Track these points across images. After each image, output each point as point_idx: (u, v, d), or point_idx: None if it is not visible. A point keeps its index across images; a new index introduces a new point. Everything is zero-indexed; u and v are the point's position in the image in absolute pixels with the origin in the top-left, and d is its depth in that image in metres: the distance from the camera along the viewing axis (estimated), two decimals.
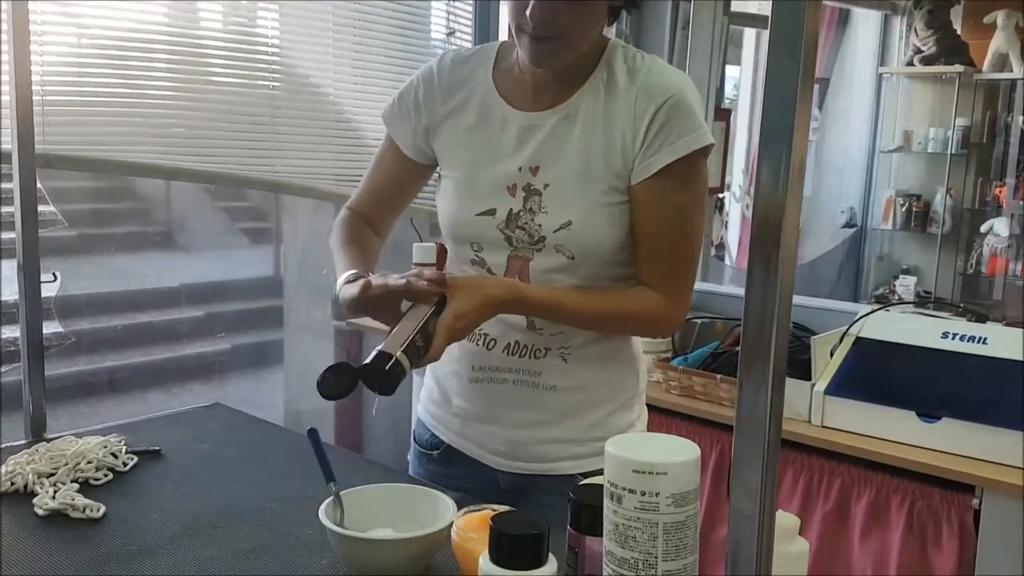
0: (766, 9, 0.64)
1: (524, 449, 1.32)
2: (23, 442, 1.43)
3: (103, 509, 1.18)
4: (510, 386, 1.30)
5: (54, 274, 1.94)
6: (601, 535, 0.83)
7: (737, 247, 4.00)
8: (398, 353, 1.08)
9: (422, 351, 1.12)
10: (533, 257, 1.26)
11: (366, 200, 1.43)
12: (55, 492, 1.21)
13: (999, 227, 3.91)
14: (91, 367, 3.01)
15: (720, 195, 3.18)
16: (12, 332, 1.96)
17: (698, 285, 1.33)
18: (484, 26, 2.92)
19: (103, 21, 2.14)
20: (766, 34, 0.65)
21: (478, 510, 1.03)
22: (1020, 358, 1.99)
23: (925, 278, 4.19)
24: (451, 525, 1.01)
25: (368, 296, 1.16)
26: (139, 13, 2.17)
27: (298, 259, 3.16)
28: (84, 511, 1.17)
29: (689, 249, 1.28)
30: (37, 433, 1.48)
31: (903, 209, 4.24)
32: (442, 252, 1.36)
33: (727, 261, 3.88)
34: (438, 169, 1.37)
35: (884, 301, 3.83)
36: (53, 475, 1.26)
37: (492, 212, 1.26)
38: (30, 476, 1.24)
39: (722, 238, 3.70)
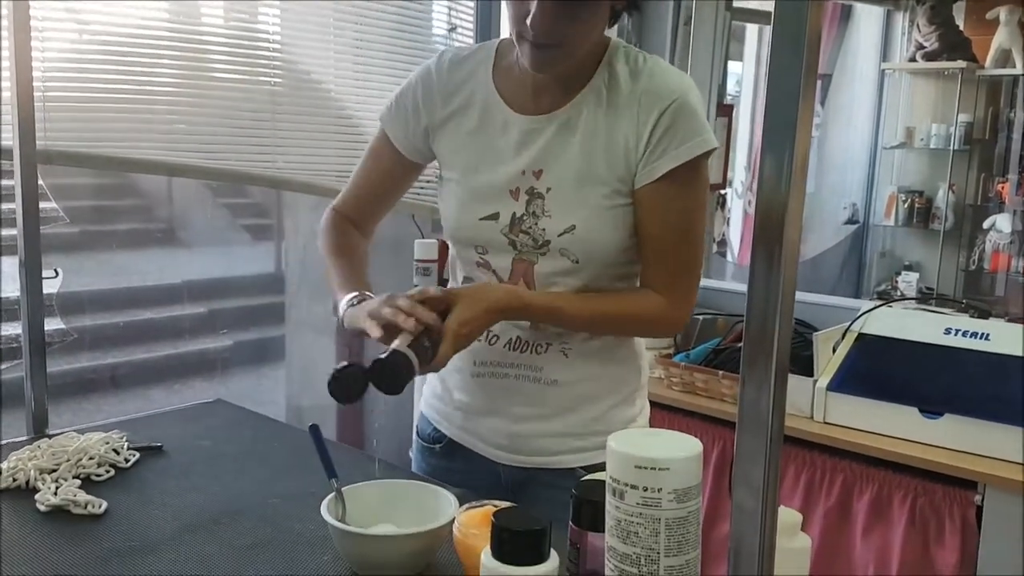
0: (768, 5, 0.64)
1: (525, 443, 1.32)
2: (25, 438, 1.44)
3: (105, 505, 1.18)
4: (512, 380, 1.31)
5: (56, 270, 1.94)
6: (603, 531, 0.83)
7: (739, 243, 4.00)
8: (408, 352, 1.09)
9: (429, 353, 1.13)
10: (538, 261, 1.26)
11: (357, 198, 1.43)
12: (57, 488, 1.21)
13: (1001, 223, 3.91)
14: (93, 363, 3.01)
15: (722, 191, 3.17)
16: (14, 329, 1.96)
17: (700, 282, 1.33)
18: (485, 22, 2.91)
19: (104, 17, 2.14)
20: (768, 30, 0.65)
21: (480, 506, 1.03)
22: (1022, 354, 1.98)
23: (927, 274, 4.19)
24: (453, 521, 1.01)
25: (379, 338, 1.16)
26: (140, 9, 2.17)
27: (300, 255, 3.16)
28: (86, 507, 1.17)
29: (693, 251, 1.28)
30: (39, 429, 1.49)
31: (905, 205, 4.24)
32: (443, 248, 1.37)
33: (729, 257, 3.88)
34: (439, 170, 1.37)
35: (886, 297, 3.82)
36: (55, 471, 1.26)
37: (496, 216, 1.26)
38: (32, 472, 1.24)
39: (724, 234, 3.70)
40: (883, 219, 4.34)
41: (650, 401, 1.42)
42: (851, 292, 4.39)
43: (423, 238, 2.64)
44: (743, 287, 0.66)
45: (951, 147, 4.09)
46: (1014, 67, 3.87)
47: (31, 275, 1.47)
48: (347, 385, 1.08)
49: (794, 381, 2.12)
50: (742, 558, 0.67)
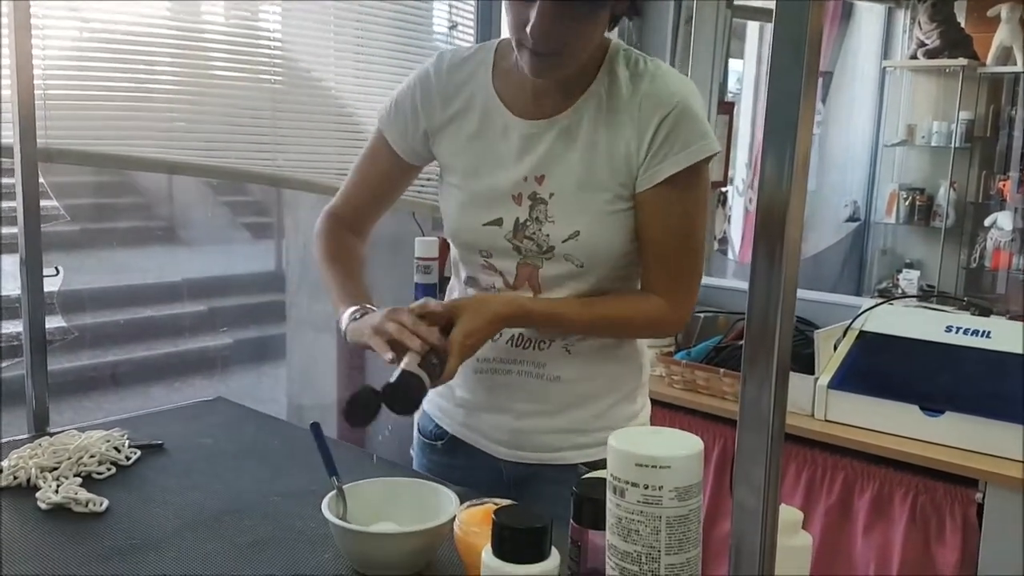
0: (769, 3, 0.64)
1: (527, 439, 1.32)
2: (26, 436, 1.44)
3: (106, 503, 1.18)
4: (514, 377, 1.31)
5: (56, 268, 1.94)
6: (604, 528, 0.83)
7: (740, 241, 3.99)
8: (419, 371, 1.11)
9: (438, 369, 1.14)
10: (542, 265, 1.26)
11: (354, 200, 1.42)
12: (58, 486, 1.21)
13: (1003, 221, 3.90)
14: (94, 361, 3.02)
15: (723, 189, 3.17)
16: (15, 327, 1.96)
17: (701, 281, 1.33)
18: (486, 20, 2.91)
19: (105, 15, 2.14)
20: (770, 27, 0.65)
21: (481, 504, 1.03)
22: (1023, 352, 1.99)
23: (928, 272, 4.18)
24: (454, 519, 1.01)
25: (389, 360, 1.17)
26: (141, 7, 2.17)
27: (300, 254, 3.16)
28: (87, 505, 1.17)
29: (694, 254, 1.28)
30: (40, 427, 1.49)
31: (907, 203, 4.23)
32: (444, 246, 1.37)
33: (730, 255, 3.87)
34: (439, 172, 1.36)
35: (887, 295, 3.82)
36: (56, 469, 1.26)
37: (499, 222, 1.26)
38: (33, 470, 1.24)
39: (725, 232, 3.70)
40: (884, 217, 4.33)
41: (651, 399, 1.42)
42: (852, 290, 4.38)
43: (423, 236, 2.65)
44: (744, 285, 0.66)
45: (952, 145, 4.08)
46: (1015, 64, 3.86)
47: (32, 273, 1.47)
48: (361, 409, 1.10)
49: (795, 379, 2.12)
50: (743, 556, 0.67)
